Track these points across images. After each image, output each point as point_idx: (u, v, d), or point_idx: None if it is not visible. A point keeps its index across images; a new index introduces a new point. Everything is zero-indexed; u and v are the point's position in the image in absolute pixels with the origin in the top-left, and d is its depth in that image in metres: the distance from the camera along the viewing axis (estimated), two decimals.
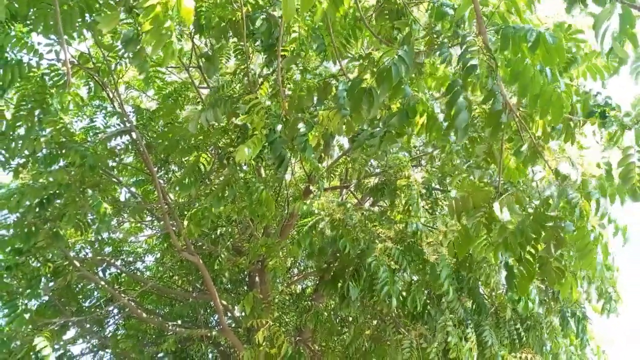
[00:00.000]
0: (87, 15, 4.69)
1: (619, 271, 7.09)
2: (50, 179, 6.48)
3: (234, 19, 5.50)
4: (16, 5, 4.71)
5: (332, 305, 7.45)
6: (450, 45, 4.11)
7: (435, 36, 4.36)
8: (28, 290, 6.65)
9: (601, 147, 3.72)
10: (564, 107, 3.11)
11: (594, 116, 3.50)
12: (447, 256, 6.20)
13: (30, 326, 6.88)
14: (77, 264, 7.49)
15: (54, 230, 6.52)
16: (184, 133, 6.27)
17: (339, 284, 6.81)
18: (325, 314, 7.76)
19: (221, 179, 6.65)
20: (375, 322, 7.63)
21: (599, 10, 2.97)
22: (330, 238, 6.42)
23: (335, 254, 6.95)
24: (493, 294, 7.26)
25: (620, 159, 3.36)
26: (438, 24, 4.34)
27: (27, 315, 6.47)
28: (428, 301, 6.86)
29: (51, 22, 4.87)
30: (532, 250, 3.85)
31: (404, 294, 6.57)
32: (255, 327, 7.10)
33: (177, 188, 6.58)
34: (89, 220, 6.94)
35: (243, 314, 7.73)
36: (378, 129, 4.67)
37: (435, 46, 4.17)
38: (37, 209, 6.52)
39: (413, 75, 4.66)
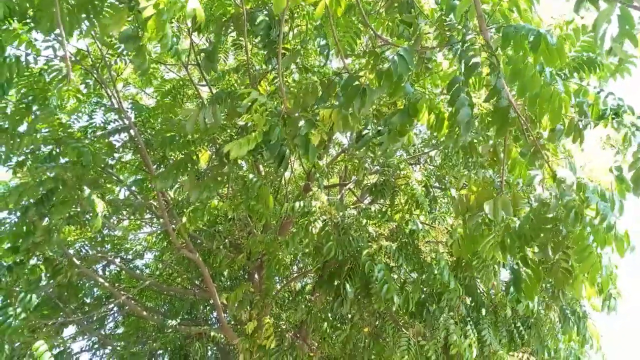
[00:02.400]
0: (89, 15, 4.65)
1: (617, 267, 7.08)
2: (49, 175, 6.44)
3: (235, 14, 5.46)
4: (14, 1, 4.67)
5: (330, 303, 7.45)
6: (458, 40, 4.07)
7: (446, 30, 4.31)
8: (22, 294, 6.58)
9: (610, 150, 3.68)
10: (564, 107, 3.09)
11: (606, 118, 3.47)
12: (445, 255, 6.21)
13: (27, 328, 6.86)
14: (77, 261, 7.47)
15: (51, 226, 6.48)
16: (181, 130, 6.24)
17: (335, 283, 6.83)
18: (324, 310, 7.75)
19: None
20: (373, 319, 7.62)
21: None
22: (324, 238, 6.44)
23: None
24: (492, 292, 7.25)
25: (631, 162, 3.33)
26: (449, 17, 4.28)
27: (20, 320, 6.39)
28: (428, 298, 6.86)
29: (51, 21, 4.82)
30: (535, 254, 3.82)
31: (403, 291, 6.58)
32: (245, 319, 7.14)
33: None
34: (87, 218, 6.90)
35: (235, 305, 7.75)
36: (381, 127, 4.64)
37: (444, 42, 4.13)
38: (35, 207, 6.48)
39: (419, 72, 4.63)
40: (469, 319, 6.66)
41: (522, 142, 3.85)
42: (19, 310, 6.35)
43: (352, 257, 6.58)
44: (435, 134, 4.35)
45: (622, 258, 3.65)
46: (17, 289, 6.68)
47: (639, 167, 3.23)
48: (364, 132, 4.76)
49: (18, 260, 6.63)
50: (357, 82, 4.00)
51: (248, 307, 7.67)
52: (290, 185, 9.30)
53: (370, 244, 6.42)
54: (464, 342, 6.20)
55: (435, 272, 6.13)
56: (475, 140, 4.36)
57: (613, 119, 3.46)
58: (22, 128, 6.22)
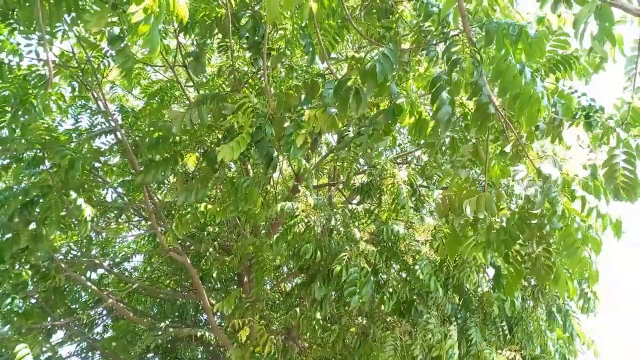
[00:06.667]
0: (70, 12, 4.59)
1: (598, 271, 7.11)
2: (34, 180, 6.36)
3: (219, 16, 5.44)
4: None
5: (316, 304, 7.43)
6: (436, 43, 4.10)
7: (423, 35, 4.35)
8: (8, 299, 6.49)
9: (586, 149, 3.72)
10: (540, 109, 3.10)
11: (577, 118, 3.49)
12: (427, 255, 6.24)
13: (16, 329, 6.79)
14: (64, 266, 7.40)
15: (36, 233, 6.38)
16: (168, 132, 6.19)
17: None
18: (312, 311, 7.72)
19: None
20: (360, 319, 7.61)
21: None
22: (304, 240, 6.44)
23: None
24: (479, 290, 7.26)
25: (605, 159, 3.36)
26: (425, 22, 4.32)
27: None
28: (415, 297, 6.85)
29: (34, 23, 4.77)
30: (519, 250, 3.85)
31: (381, 292, 6.58)
32: (238, 327, 7.10)
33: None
34: (74, 222, 6.82)
35: (228, 313, 7.71)
36: (364, 127, 4.65)
37: (422, 45, 4.15)
38: (20, 213, 6.37)
39: (399, 75, 4.65)
40: (454, 318, 6.66)
41: (502, 142, 3.86)
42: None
43: (334, 259, 6.57)
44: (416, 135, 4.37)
45: (598, 255, 3.69)
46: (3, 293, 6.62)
47: (613, 164, 3.25)
48: (344, 134, 4.77)
49: (3, 268, 6.54)
50: (348, 84, 4.00)
51: (240, 315, 7.61)
52: (279, 186, 9.27)
53: (351, 245, 6.43)
54: (447, 343, 6.20)
55: (418, 273, 6.15)
56: (458, 139, 4.37)
57: (585, 118, 3.48)
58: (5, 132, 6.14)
